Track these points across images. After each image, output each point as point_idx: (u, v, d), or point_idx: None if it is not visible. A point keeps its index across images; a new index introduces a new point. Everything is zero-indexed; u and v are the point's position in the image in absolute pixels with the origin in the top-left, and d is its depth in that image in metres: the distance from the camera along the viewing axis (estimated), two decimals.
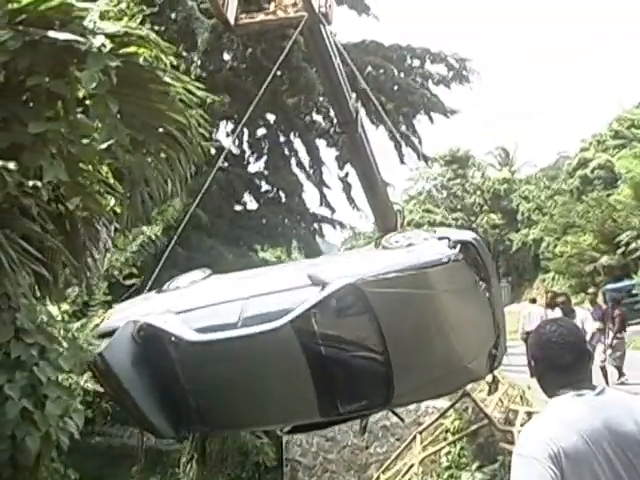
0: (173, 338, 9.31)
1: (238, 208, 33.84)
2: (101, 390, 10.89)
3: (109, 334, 9.67)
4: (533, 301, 28.28)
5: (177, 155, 8.71)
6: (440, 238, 10.19)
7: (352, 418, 11.43)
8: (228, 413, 10.11)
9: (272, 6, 16.59)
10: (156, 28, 19.51)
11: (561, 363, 4.51)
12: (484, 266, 10.65)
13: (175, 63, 8.21)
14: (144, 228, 18.23)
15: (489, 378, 17.61)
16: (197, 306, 9.74)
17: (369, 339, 9.34)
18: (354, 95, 16.88)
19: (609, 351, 22.61)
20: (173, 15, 26.28)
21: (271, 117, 33.86)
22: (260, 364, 9.30)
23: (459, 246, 9.82)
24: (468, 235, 11.02)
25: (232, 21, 15.85)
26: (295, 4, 15.98)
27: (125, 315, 10.09)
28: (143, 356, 9.46)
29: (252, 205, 34.51)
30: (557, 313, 18.66)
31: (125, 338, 9.40)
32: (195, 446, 18.09)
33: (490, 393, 17.33)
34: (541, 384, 4.68)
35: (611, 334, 22.65)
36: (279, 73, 29.61)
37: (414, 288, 9.24)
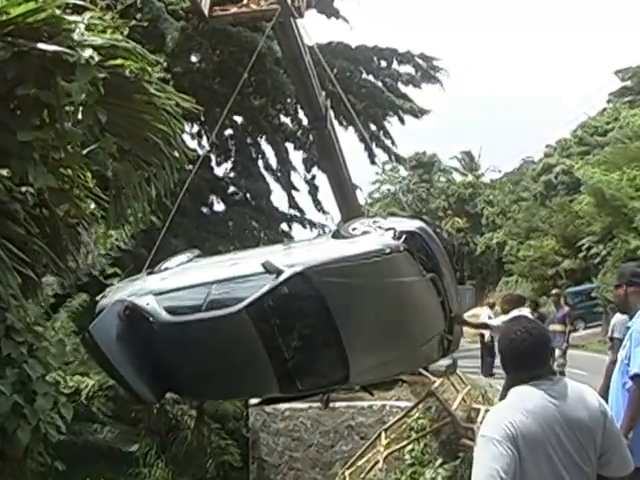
0: (151, 318, 9.91)
1: (204, 210, 33.71)
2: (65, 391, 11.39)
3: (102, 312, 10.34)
4: (492, 306, 28.70)
5: (161, 163, 9.09)
6: (388, 229, 10.64)
7: (316, 393, 12.00)
8: (200, 385, 10.78)
9: None
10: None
11: (526, 363, 4.98)
12: (433, 255, 11.10)
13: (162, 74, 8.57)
14: (111, 232, 18.50)
15: (454, 379, 18.15)
16: (172, 288, 10.37)
17: (320, 323, 9.84)
18: (323, 93, 17.20)
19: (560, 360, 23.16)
20: (139, 16, 26.34)
21: (238, 119, 33.93)
22: (221, 344, 9.95)
23: (403, 236, 10.29)
24: (415, 225, 11.32)
25: (206, 12, 16.21)
26: None
27: (116, 294, 10.72)
28: (127, 332, 10.08)
29: (219, 207, 34.53)
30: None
31: (112, 316, 10.08)
32: (160, 446, 18.28)
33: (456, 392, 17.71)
34: (508, 376, 5.22)
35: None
36: (246, 75, 29.95)
37: (356, 277, 9.76)
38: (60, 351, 9.79)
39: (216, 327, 9.79)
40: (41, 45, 7.73)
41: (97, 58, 7.55)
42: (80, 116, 7.85)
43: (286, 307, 10.06)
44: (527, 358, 4.99)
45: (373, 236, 10.66)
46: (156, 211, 21.49)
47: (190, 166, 29.01)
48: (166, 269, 11.59)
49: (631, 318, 8.19)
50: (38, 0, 7.81)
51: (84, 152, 8.55)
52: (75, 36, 7.72)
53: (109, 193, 9.43)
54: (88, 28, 7.94)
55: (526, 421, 4.73)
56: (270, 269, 9.69)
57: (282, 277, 9.56)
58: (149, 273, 11.68)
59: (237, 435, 19.76)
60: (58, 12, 7.89)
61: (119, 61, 7.97)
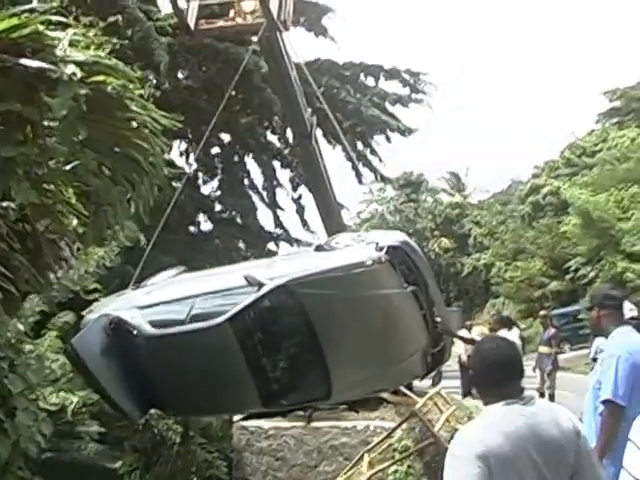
0: (135, 331, 9.94)
1: (192, 229, 33.79)
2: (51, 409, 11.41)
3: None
4: (469, 328, 28.86)
5: (141, 179, 9.15)
6: (370, 242, 10.72)
7: (298, 409, 12.02)
8: (183, 401, 10.77)
9: (232, 13, 17.05)
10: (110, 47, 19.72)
11: (496, 378, 5.03)
12: (416, 267, 11.15)
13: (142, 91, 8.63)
14: (98, 249, 18.48)
15: (438, 399, 18.14)
16: (156, 302, 10.43)
17: (303, 337, 9.87)
18: (309, 110, 17.26)
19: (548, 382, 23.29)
20: (129, 32, 26.42)
21: (225, 137, 34.07)
22: (204, 358, 9.97)
23: (385, 249, 10.35)
24: (397, 238, 11.43)
25: (192, 26, 16.28)
26: (254, 12, 16.45)
27: (101, 309, 10.77)
28: (112, 347, 10.11)
29: (206, 226, 34.58)
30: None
31: (96, 330, 10.09)
32: (145, 464, 18.21)
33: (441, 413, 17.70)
34: (478, 392, 5.26)
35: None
36: (233, 93, 29.99)
37: (338, 289, 9.81)
38: (39, 367, 9.79)
39: (198, 340, 9.84)
40: (24, 61, 7.77)
41: (79, 74, 7.59)
42: (60, 132, 7.88)
43: (268, 320, 10.10)
44: (495, 370, 5.04)
45: (355, 248, 10.75)
46: (143, 229, 21.66)
47: (177, 183, 29.28)
48: (152, 284, 11.66)
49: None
50: (21, 16, 7.86)
51: (66, 168, 8.60)
52: (58, 52, 7.77)
53: (89, 209, 9.46)
54: (71, 44, 7.99)
55: (497, 440, 4.75)
56: (252, 282, 9.75)
57: (264, 289, 9.61)
58: (135, 288, 11.75)
59: (222, 451, 19.70)
60: (41, 28, 7.93)
61: (101, 77, 8.02)
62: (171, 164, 26.28)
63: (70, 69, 7.58)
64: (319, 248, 11.50)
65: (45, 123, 8.25)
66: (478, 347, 5.39)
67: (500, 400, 4.96)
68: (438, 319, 11.50)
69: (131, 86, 8.35)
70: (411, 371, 11.68)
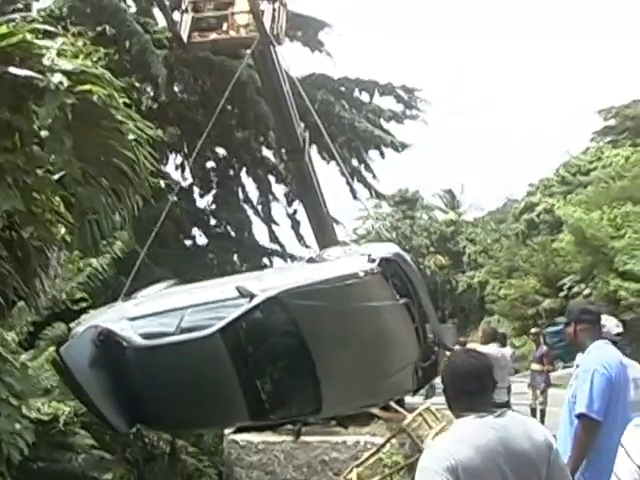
0: (124, 342, 9.89)
1: (187, 243, 33.85)
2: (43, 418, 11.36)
3: None
4: (464, 344, 28.86)
5: (126, 189, 9.17)
6: (362, 254, 10.67)
7: (287, 422, 11.93)
8: (171, 413, 10.66)
9: (225, 26, 17.09)
10: (108, 59, 19.76)
11: (466, 389, 4.98)
12: (408, 280, 11.09)
13: (128, 101, 8.65)
14: (92, 260, 18.43)
15: (428, 415, 18.10)
16: (146, 314, 10.36)
17: (294, 349, 9.83)
18: (302, 125, 17.29)
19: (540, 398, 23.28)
20: (127, 44, 26.46)
21: (221, 151, 34.09)
22: (194, 370, 9.90)
23: (377, 261, 10.30)
24: (390, 250, 11.40)
25: (185, 39, 16.32)
26: (247, 25, 16.49)
27: (91, 321, 10.71)
28: (101, 358, 10.05)
29: (202, 240, 34.60)
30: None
31: (85, 341, 10.06)
32: (137, 476, 18.12)
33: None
34: (449, 405, 5.23)
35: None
36: (229, 107, 30.00)
37: (330, 301, 9.78)
38: (24, 375, 9.78)
39: (188, 351, 9.82)
40: (12, 69, 7.80)
41: (66, 83, 7.62)
42: (47, 140, 7.91)
43: (259, 331, 10.09)
44: (467, 382, 5.00)
45: (347, 260, 10.72)
46: (139, 241, 21.64)
47: (171, 196, 29.19)
48: (142, 297, 11.62)
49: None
50: (9, 25, 7.89)
51: (54, 178, 8.63)
52: (45, 61, 7.80)
53: (75, 218, 9.48)
54: (59, 53, 8.01)
55: (467, 453, 4.70)
56: (244, 293, 9.73)
57: (256, 301, 9.59)
58: (125, 300, 11.71)
59: (213, 462, 19.65)
60: (30, 37, 7.96)
61: (88, 87, 8.04)
62: (165, 176, 26.31)
63: (57, 78, 7.62)
64: (311, 260, 11.48)
65: (33, 131, 8.27)
66: (450, 359, 5.40)
67: (471, 412, 4.93)
68: (430, 333, 11.45)
69: (117, 96, 8.36)
70: (402, 385, 11.53)
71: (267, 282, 10.53)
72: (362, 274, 10.05)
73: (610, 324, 8.84)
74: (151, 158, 9.44)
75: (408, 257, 11.79)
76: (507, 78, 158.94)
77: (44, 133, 8.14)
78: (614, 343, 8.33)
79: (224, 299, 10.19)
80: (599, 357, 7.88)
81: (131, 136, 8.67)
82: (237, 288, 9.87)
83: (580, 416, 7.62)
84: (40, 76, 7.65)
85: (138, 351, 10.04)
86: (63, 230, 9.76)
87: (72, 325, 11.48)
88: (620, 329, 9.08)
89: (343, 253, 11.26)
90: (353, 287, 10.00)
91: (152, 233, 14.45)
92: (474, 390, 4.99)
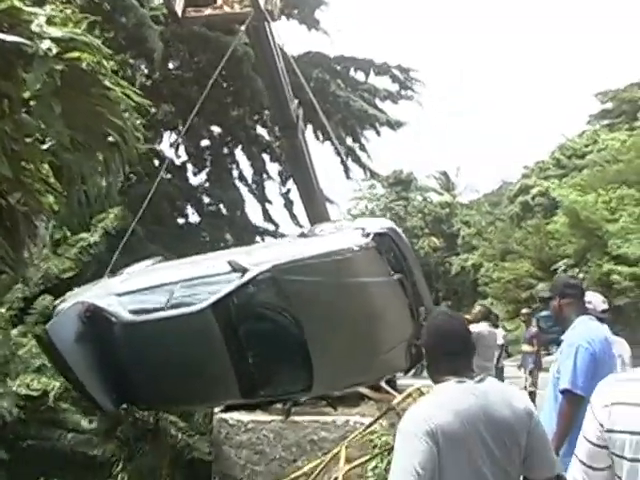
0: (113, 318, 9.78)
1: (181, 221, 33.71)
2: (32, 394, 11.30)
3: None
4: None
5: (113, 156, 9.12)
6: (356, 228, 10.56)
7: (278, 401, 11.84)
8: (160, 391, 10.57)
9: (219, 1, 17.02)
10: (105, 34, 19.69)
11: (449, 350, 5.00)
12: (402, 256, 10.98)
13: (116, 68, 8.59)
14: (83, 235, 18.35)
15: (417, 395, 18.07)
16: (134, 289, 10.24)
17: (286, 325, 9.74)
18: (296, 102, 17.22)
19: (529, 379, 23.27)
20: (123, 19, 26.26)
21: (216, 129, 34.02)
22: (184, 346, 9.82)
23: (372, 235, 10.19)
24: (383, 225, 11.27)
25: (179, 13, 16.24)
26: (241, 1, 16.42)
27: (76, 297, 10.58)
28: (88, 335, 9.96)
29: (194, 218, 34.38)
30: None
31: (71, 318, 9.97)
32: (127, 454, 18.07)
33: None
34: (429, 370, 5.21)
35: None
36: (224, 84, 29.88)
37: (322, 276, 9.67)
38: (4, 341, 9.74)
39: (179, 326, 9.74)
40: (1, 35, 7.74)
41: (55, 50, 7.59)
42: (35, 107, 7.86)
43: (251, 307, 10.01)
44: (448, 343, 5.02)
45: (341, 235, 10.61)
46: (133, 218, 21.54)
47: (168, 175, 29.06)
48: (128, 273, 11.52)
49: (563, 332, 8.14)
50: None
51: (43, 147, 8.57)
52: (34, 27, 7.75)
53: (63, 187, 9.43)
54: (48, 20, 7.95)
55: (447, 418, 4.70)
56: (236, 268, 9.64)
57: (248, 275, 9.51)
58: (111, 276, 11.60)
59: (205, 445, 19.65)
60: (18, 3, 7.89)
61: (77, 54, 8.00)
62: (159, 154, 26.26)
63: (46, 44, 7.59)
64: (302, 235, 11.39)
65: (22, 98, 8.21)
66: (431, 321, 5.33)
67: (453, 376, 4.93)
68: (424, 309, 11.32)
69: (106, 63, 8.30)
70: (395, 363, 11.37)
71: (258, 256, 10.43)
72: (356, 249, 9.95)
73: (596, 301, 8.85)
74: (141, 127, 9.39)
75: (401, 232, 11.67)
76: (507, 74, 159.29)
77: (33, 102, 8.11)
78: (600, 320, 8.31)
79: (215, 274, 10.11)
80: (583, 332, 7.86)
81: (121, 105, 8.63)
82: (229, 263, 9.78)
83: (564, 392, 7.62)
84: (29, 42, 7.60)
85: (127, 327, 9.96)
86: (51, 199, 9.71)
87: (56, 302, 11.32)
88: (606, 306, 9.07)
89: (335, 228, 11.16)
90: (346, 262, 9.92)
91: (143, 208, 14.31)
92: (458, 350, 5.03)
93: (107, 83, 8.36)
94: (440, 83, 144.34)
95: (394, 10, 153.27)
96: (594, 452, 4.25)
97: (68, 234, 17.35)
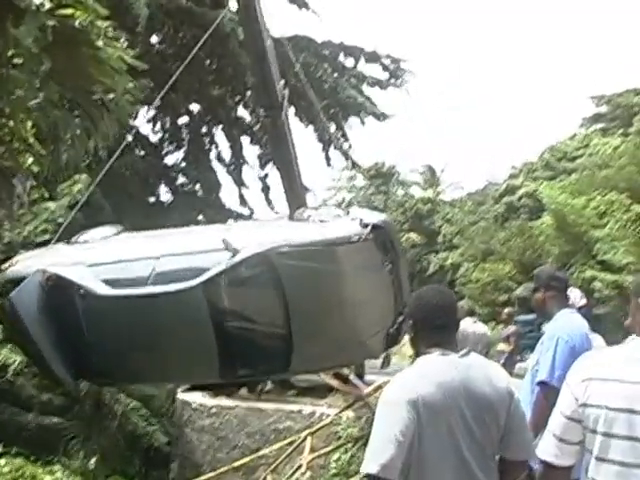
0: (82, 291, 9.83)
1: (152, 199, 33.81)
2: None
3: (14, 281, 10.18)
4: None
5: (102, 116, 9.35)
6: (353, 218, 10.86)
7: (251, 381, 12.05)
8: (130, 366, 10.65)
9: None
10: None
11: (437, 323, 5.30)
12: (393, 248, 11.35)
13: (110, 30, 8.81)
14: (49, 204, 18.40)
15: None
16: (109, 261, 10.29)
17: (273, 308, 9.96)
18: (282, 82, 17.43)
19: None
20: None
21: (195, 107, 34.15)
22: (167, 322, 9.87)
23: (370, 226, 10.51)
24: (379, 217, 11.62)
25: None
26: None
27: (33, 263, 10.55)
28: (49, 305, 9.95)
29: (167, 197, 34.61)
30: None
31: (33, 286, 9.90)
32: (86, 434, 18.16)
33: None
34: (413, 343, 5.52)
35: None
36: (207, 61, 30.00)
37: (322, 262, 9.95)
38: None
39: (165, 303, 9.81)
40: None
41: (48, 5, 7.80)
42: (26, 61, 8.06)
43: (242, 287, 10.18)
44: (437, 314, 5.32)
45: (341, 223, 10.89)
46: (105, 194, 21.63)
47: (141, 152, 29.09)
48: (86, 241, 11.48)
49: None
50: None
51: (30, 103, 8.78)
52: None
53: (46, 144, 9.62)
54: None
55: (429, 389, 5.01)
56: (228, 247, 9.79)
57: (242, 255, 9.66)
58: (67, 242, 11.55)
59: (163, 429, 19.81)
60: None
61: (69, 11, 8.21)
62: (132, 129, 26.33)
63: None
64: (293, 218, 11.57)
65: (9, 54, 8.40)
66: (419, 295, 5.63)
67: (438, 348, 5.23)
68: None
69: (99, 23, 8.53)
70: (373, 349, 11.89)
71: (246, 236, 10.61)
72: (356, 238, 10.25)
73: (574, 295, 9.12)
74: (132, 88, 9.60)
75: (394, 226, 12.02)
76: (505, 71, 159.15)
77: (18, 60, 8.32)
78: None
79: (201, 251, 10.23)
80: (564, 325, 8.13)
81: (113, 66, 8.85)
82: (223, 241, 9.92)
83: (541, 383, 7.88)
84: None
85: (101, 300, 9.99)
86: (30, 160, 9.90)
87: (4, 267, 11.28)
88: (584, 301, 9.36)
89: (328, 215, 11.40)
90: (345, 251, 10.21)
91: (101, 175, 14.05)
92: (444, 324, 5.33)
93: (99, 43, 8.59)
94: (438, 78, 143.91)
95: (392, 4, 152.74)
96: (568, 426, 4.61)
97: (46, 195, 17.45)
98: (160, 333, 10.08)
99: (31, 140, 9.63)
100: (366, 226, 10.54)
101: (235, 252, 9.74)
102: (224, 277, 9.78)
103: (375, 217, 11.40)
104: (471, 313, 19.69)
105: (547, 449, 4.69)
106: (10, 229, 11.61)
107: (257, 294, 10.36)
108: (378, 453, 4.91)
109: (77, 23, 8.23)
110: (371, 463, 4.91)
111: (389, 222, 11.66)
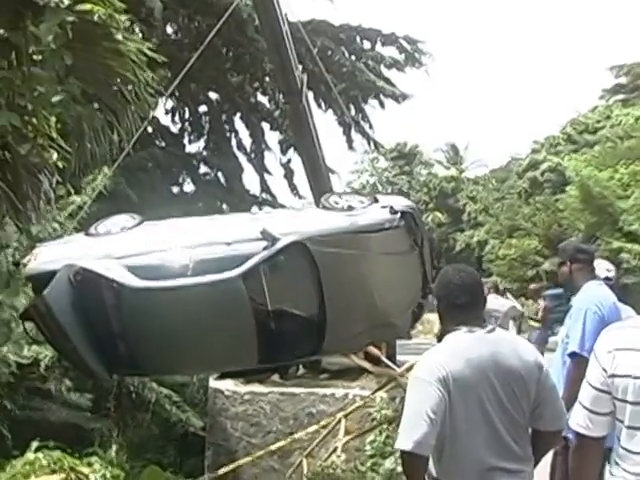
0: (115, 284, 9.86)
1: (175, 190, 33.60)
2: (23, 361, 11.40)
3: (39, 277, 10.23)
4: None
5: (125, 109, 9.42)
6: (383, 206, 10.96)
7: (282, 366, 12.21)
8: (167, 357, 10.67)
9: None
10: None
11: (458, 302, 5.40)
12: (419, 232, 11.52)
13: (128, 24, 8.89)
14: (74, 197, 18.44)
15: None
16: (139, 252, 10.30)
17: (310, 294, 10.04)
18: (300, 67, 17.43)
19: None
20: None
21: (214, 95, 34.14)
22: (206, 313, 9.84)
23: (399, 214, 10.63)
24: (407, 204, 11.74)
25: None
26: None
27: (57, 257, 10.57)
28: (79, 300, 9.99)
29: (189, 187, 34.45)
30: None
31: (64, 282, 9.93)
32: (120, 426, 18.28)
33: None
34: (441, 321, 5.63)
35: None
36: (224, 50, 30.02)
37: (357, 249, 10.04)
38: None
39: (204, 293, 9.83)
40: None
41: (67, 1, 7.86)
42: (47, 58, 8.12)
43: (279, 276, 10.24)
44: (458, 294, 5.42)
45: (372, 210, 10.97)
46: (130, 184, 21.72)
47: (162, 143, 29.15)
48: (107, 232, 11.46)
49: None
50: None
51: (53, 100, 8.84)
52: None
53: (71, 139, 9.68)
54: None
55: (458, 365, 5.12)
56: (266, 237, 9.85)
57: (280, 244, 9.70)
58: (86, 234, 11.52)
59: (200, 414, 19.95)
60: None
61: (88, 6, 8.27)
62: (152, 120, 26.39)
63: None
64: (324, 207, 11.60)
65: (30, 51, 8.47)
66: (442, 275, 5.71)
67: (463, 325, 5.33)
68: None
69: (117, 17, 8.59)
70: (400, 328, 11.98)
71: (288, 225, 10.65)
72: (388, 225, 10.38)
73: (600, 268, 9.12)
74: (151, 80, 9.67)
75: (417, 209, 12.19)
76: (524, 47, 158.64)
77: (42, 55, 8.38)
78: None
79: (237, 240, 10.26)
80: (592, 296, 8.18)
81: (133, 59, 8.92)
82: (262, 231, 9.96)
83: (572, 354, 7.93)
84: None
85: (135, 293, 9.99)
86: (55, 156, 9.95)
87: (24, 261, 11.21)
88: (611, 274, 9.37)
89: (355, 201, 11.47)
90: (378, 238, 10.30)
91: (119, 161, 13.97)
92: (466, 302, 5.40)
93: (119, 37, 8.65)
94: (458, 55, 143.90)
95: None
96: (597, 397, 4.63)
97: (72, 191, 17.52)
98: (197, 323, 10.08)
99: (55, 136, 9.68)
100: (395, 213, 10.63)
101: (275, 241, 9.78)
102: (264, 266, 9.82)
103: (401, 203, 11.48)
104: (496, 289, 19.71)
105: (578, 420, 4.72)
106: (37, 224, 11.58)
107: (294, 281, 10.41)
108: (411, 430, 5.00)
109: (96, 18, 8.29)
110: (405, 440, 5.00)
111: (415, 208, 11.77)
